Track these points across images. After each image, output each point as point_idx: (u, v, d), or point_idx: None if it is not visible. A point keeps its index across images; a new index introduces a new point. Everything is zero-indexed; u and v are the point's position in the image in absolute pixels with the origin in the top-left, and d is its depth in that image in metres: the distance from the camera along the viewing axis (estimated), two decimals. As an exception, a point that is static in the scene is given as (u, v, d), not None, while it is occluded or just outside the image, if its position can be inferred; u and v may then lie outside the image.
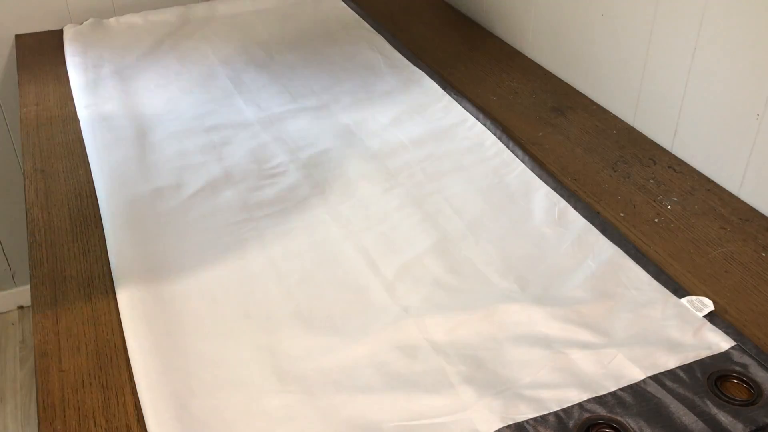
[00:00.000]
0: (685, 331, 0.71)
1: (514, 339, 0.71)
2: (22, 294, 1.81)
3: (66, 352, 0.72)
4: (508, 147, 1.03)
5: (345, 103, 1.16)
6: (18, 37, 1.46)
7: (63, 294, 0.80)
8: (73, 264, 0.84)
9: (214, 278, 0.80)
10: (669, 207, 0.91)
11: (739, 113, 0.90)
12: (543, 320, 0.73)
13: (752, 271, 0.80)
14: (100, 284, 0.81)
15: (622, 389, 0.65)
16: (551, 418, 0.63)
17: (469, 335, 0.72)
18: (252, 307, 0.76)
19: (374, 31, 1.42)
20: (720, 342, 0.70)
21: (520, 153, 1.01)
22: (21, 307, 1.84)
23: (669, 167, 0.99)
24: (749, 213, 0.90)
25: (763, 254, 0.83)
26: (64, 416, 0.66)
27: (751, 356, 0.68)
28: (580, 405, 0.64)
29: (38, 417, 0.66)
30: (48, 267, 0.84)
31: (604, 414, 0.63)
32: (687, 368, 0.67)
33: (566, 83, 1.22)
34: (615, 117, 1.12)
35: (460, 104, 1.14)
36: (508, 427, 0.62)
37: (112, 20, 1.47)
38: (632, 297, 0.76)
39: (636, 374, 0.66)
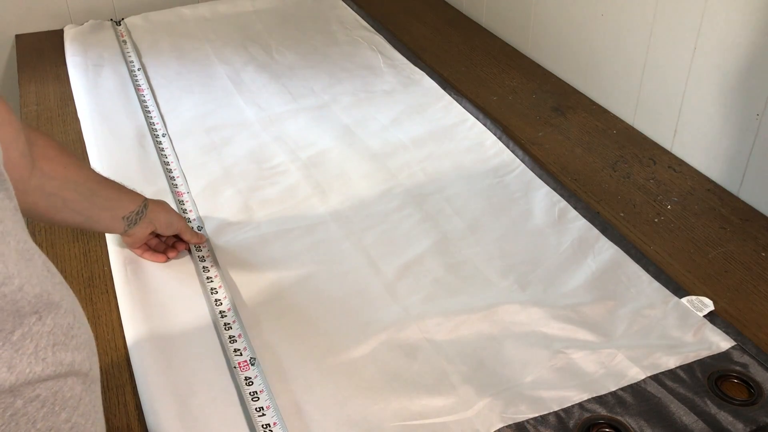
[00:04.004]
0: (685, 330, 0.71)
1: (514, 339, 0.71)
2: (22, 294, 1.80)
3: (66, 352, 0.72)
4: (508, 147, 1.03)
5: (345, 102, 1.16)
6: (18, 37, 1.46)
7: (63, 294, 0.79)
8: (73, 264, 0.84)
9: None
10: (669, 207, 0.91)
11: (739, 113, 0.90)
12: (543, 320, 0.73)
13: (752, 271, 0.80)
14: (100, 284, 0.81)
15: (622, 389, 0.65)
16: (551, 418, 0.63)
17: (470, 335, 0.72)
18: (252, 307, 0.76)
19: (374, 31, 1.42)
20: (720, 342, 0.70)
21: (520, 153, 1.01)
22: (21, 307, 1.83)
23: (669, 167, 0.99)
24: (749, 213, 0.90)
25: (763, 254, 0.83)
26: (65, 416, 0.66)
27: (751, 356, 0.68)
28: (580, 405, 0.64)
29: (38, 417, 0.66)
30: (48, 267, 0.83)
31: (605, 414, 0.63)
32: (687, 368, 0.67)
33: (566, 83, 1.22)
34: (615, 117, 1.12)
35: (460, 104, 1.14)
36: (509, 426, 0.62)
37: (112, 21, 1.47)
38: (632, 297, 0.76)
39: (636, 374, 0.66)
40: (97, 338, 0.73)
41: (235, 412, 0.65)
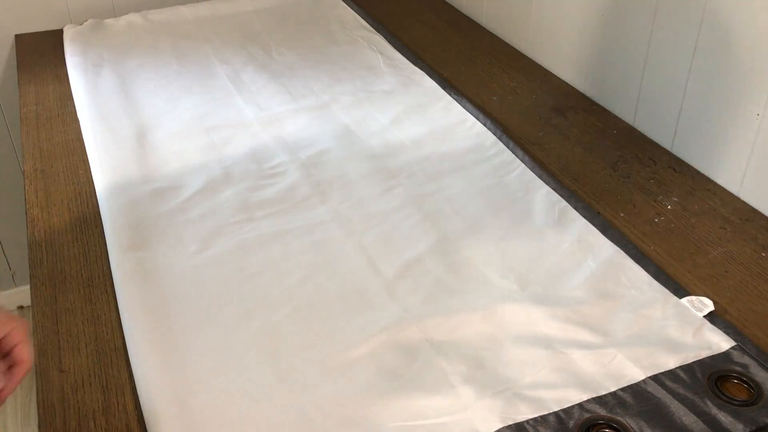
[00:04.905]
0: (685, 331, 0.71)
1: (514, 339, 0.71)
2: (22, 294, 1.81)
3: (66, 352, 0.72)
4: (508, 147, 1.03)
5: (345, 102, 1.16)
6: (18, 37, 1.46)
7: (63, 294, 0.80)
8: (73, 264, 0.84)
9: (214, 278, 0.80)
10: (669, 207, 0.91)
11: (739, 113, 0.90)
12: (543, 320, 0.73)
13: (752, 271, 0.80)
14: (100, 284, 0.81)
15: (622, 389, 0.65)
16: (551, 418, 0.63)
17: (469, 335, 0.72)
18: (252, 307, 0.76)
19: (374, 31, 1.42)
20: (720, 342, 0.70)
21: (520, 153, 1.01)
22: (21, 307, 1.83)
23: (669, 167, 0.99)
24: (749, 213, 0.90)
25: (763, 254, 0.83)
26: (64, 416, 0.66)
27: (751, 356, 0.68)
28: (580, 405, 0.64)
29: (38, 417, 0.66)
30: (48, 267, 0.84)
31: (604, 414, 0.63)
32: (687, 368, 0.67)
33: (566, 83, 1.22)
34: (615, 117, 1.11)
35: (460, 104, 1.14)
36: (508, 427, 0.62)
37: (112, 20, 1.47)
38: (632, 297, 0.76)
39: (636, 374, 0.66)
40: (96, 338, 0.74)
41: (235, 413, 0.65)
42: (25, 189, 0.98)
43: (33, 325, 0.76)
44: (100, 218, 0.91)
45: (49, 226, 0.90)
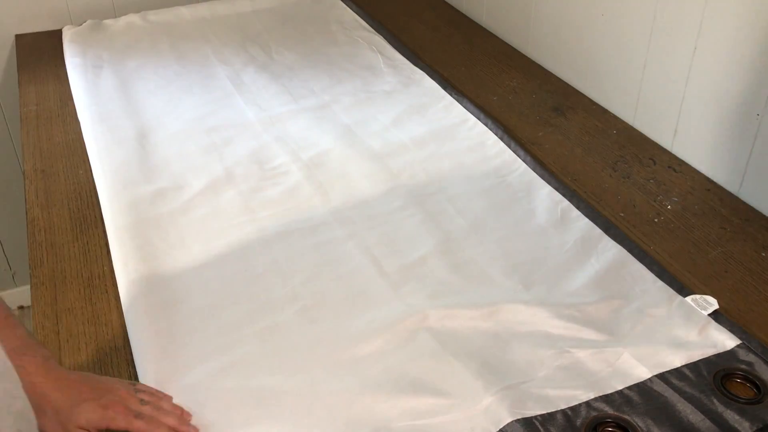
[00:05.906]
0: (690, 329, 0.71)
1: (519, 338, 0.71)
2: (22, 294, 1.80)
3: (66, 352, 0.72)
4: (509, 147, 1.03)
5: (345, 103, 1.16)
6: (18, 37, 1.46)
7: (63, 294, 0.79)
8: (73, 264, 0.84)
9: (217, 279, 0.80)
10: (669, 207, 0.91)
11: (739, 113, 0.90)
12: (548, 319, 0.73)
13: (752, 271, 0.80)
14: (100, 284, 0.81)
15: (628, 388, 0.65)
16: (559, 416, 0.63)
17: (475, 335, 0.72)
18: (257, 308, 0.76)
19: (374, 31, 1.42)
20: (725, 340, 0.70)
21: (521, 153, 1.01)
22: (21, 307, 1.83)
23: (669, 167, 0.99)
24: (749, 213, 0.90)
25: (763, 254, 0.83)
26: (67, 416, 0.65)
27: (756, 354, 0.68)
28: (587, 403, 0.64)
29: (41, 417, 0.65)
30: (48, 267, 0.83)
31: (612, 412, 0.63)
32: (693, 366, 0.67)
33: (566, 83, 1.22)
34: (615, 117, 1.12)
35: (460, 104, 1.14)
36: (517, 421, 0.62)
37: (111, 21, 1.47)
38: (637, 296, 0.76)
39: (642, 373, 0.66)
40: (96, 338, 0.74)
41: (241, 413, 0.64)
42: (25, 189, 0.98)
43: (33, 325, 0.76)
44: (101, 218, 0.91)
45: (49, 226, 0.90)
